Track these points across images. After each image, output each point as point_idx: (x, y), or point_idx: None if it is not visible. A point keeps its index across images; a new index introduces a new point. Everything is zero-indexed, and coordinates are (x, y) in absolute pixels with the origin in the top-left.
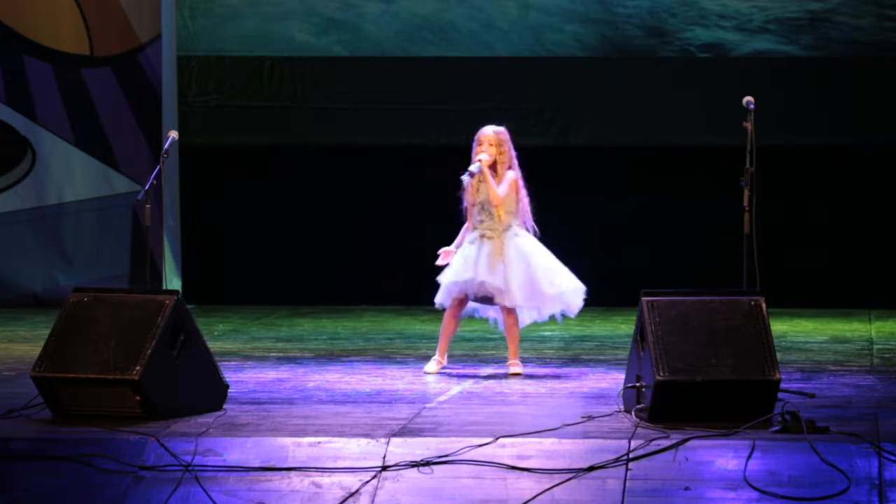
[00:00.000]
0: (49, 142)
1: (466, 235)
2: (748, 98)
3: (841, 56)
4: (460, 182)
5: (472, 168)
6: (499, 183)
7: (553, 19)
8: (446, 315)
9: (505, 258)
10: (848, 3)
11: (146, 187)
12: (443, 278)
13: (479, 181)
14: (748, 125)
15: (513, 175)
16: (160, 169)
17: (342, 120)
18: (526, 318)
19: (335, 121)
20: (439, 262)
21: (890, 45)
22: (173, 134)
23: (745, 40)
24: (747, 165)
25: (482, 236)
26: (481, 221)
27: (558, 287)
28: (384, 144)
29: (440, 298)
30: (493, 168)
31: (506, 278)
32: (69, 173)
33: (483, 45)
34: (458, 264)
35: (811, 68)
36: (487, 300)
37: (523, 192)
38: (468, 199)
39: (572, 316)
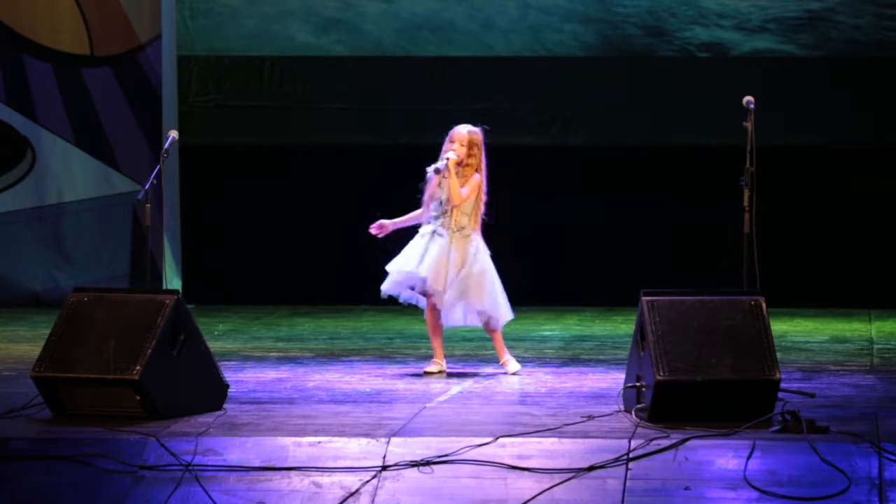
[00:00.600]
0: (49, 141)
1: (422, 227)
2: (748, 98)
3: (840, 55)
4: (424, 173)
5: (439, 164)
6: (462, 184)
7: (552, 18)
8: (427, 318)
9: (450, 260)
10: (847, 3)
11: (146, 187)
12: (390, 266)
13: (443, 178)
14: (748, 125)
15: (478, 178)
16: (160, 169)
17: (342, 120)
18: (455, 320)
19: (335, 121)
20: (372, 229)
21: (889, 45)
22: (173, 134)
23: (745, 39)
24: (747, 165)
25: (434, 233)
26: (436, 218)
27: (487, 304)
28: (384, 144)
29: (387, 287)
30: (459, 166)
31: (445, 280)
32: (69, 173)
33: (483, 44)
34: (406, 255)
35: (811, 68)
36: (426, 294)
37: (484, 198)
38: (428, 192)
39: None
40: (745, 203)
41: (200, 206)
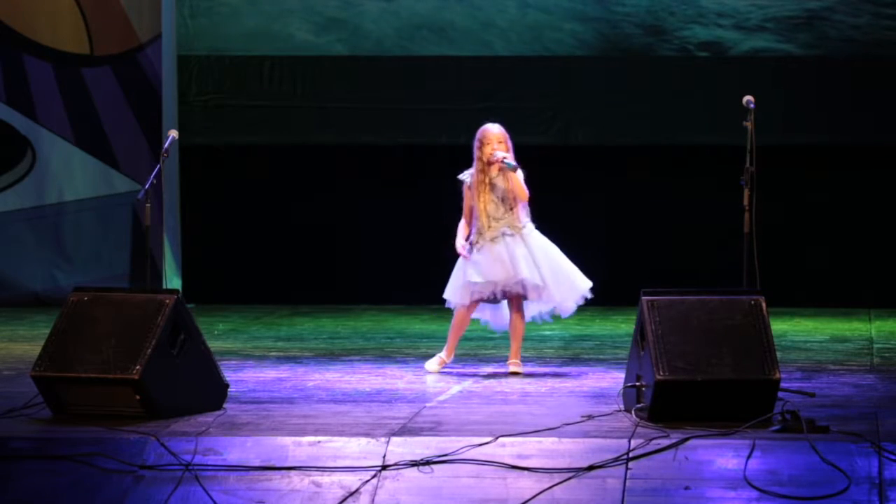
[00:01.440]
0: (49, 141)
1: (483, 233)
2: (748, 97)
3: (839, 54)
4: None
5: (514, 163)
6: (505, 182)
7: (552, 18)
8: (462, 313)
9: (535, 255)
10: (845, 2)
11: (146, 187)
12: (471, 277)
13: (499, 174)
14: (748, 124)
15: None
16: (160, 168)
17: (342, 120)
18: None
19: (335, 120)
20: (465, 255)
21: (888, 44)
22: (173, 133)
23: (744, 39)
24: (747, 165)
25: (504, 234)
26: (497, 219)
27: (572, 285)
28: (384, 144)
29: (459, 299)
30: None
31: (542, 275)
32: (69, 173)
33: (482, 44)
34: (486, 263)
35: (810, 67)
36: (510, 297)
37: None
38: (467, 202)
39: (564, 316)
40: (745, 203)
41: (200, 206)
